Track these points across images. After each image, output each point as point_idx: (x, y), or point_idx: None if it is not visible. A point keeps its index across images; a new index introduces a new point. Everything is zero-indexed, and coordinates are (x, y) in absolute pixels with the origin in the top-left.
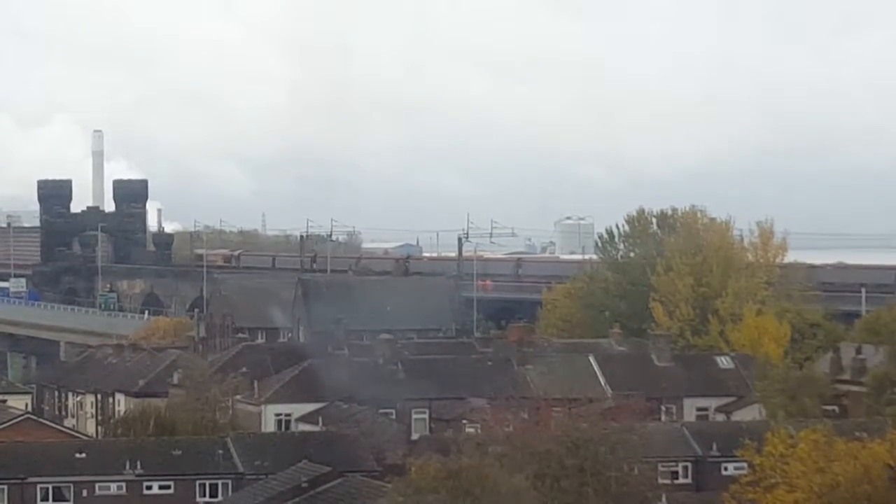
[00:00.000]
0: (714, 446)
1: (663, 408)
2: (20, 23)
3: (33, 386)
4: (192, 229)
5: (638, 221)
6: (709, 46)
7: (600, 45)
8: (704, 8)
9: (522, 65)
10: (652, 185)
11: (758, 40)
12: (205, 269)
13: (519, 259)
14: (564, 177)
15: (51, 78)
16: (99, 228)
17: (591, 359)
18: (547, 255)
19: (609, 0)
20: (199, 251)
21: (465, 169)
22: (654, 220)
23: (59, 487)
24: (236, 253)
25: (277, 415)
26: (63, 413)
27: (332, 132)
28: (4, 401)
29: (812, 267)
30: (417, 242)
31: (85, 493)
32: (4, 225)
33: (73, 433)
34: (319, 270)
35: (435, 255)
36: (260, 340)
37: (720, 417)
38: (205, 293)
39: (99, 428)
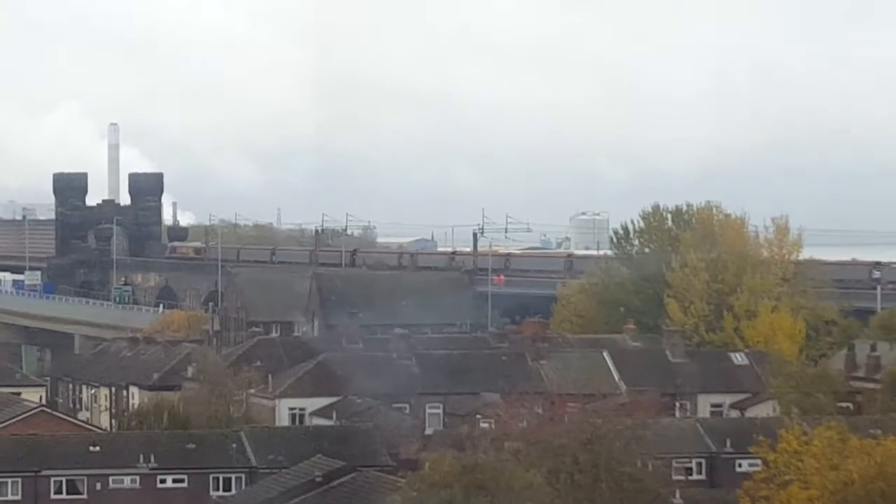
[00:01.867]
0: (728, 443)
1: (677, 404)
2: (26, 12)
3: (47, 379)
4: (208, 223)
5: (653, 217)
6: (714, 39)
7: (607, 40)
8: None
9: (532, 59)
10: (662, 180)
11: (765, 33)
12: (219, 263)
13: None
14: (575, 172)
15: (57, 68)
16: (114, 221)
17: (606, 354)
18: None
19: None
20: (173, 244)
21: (478, 164)
22: (669, 215)
23: (72, 480)
24: (205, 246)
25: (291, 409)
26: (77, 406)
27: (343, 125)
28: (19, 393)
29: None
30: (432, 237)
31: (99, 486)
32: (20, 217)
33: (87, 426)
34: (279, 262)
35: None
36: (274, 334)
37: (734, 414)
38: (219, 287)
39: (113, 421)
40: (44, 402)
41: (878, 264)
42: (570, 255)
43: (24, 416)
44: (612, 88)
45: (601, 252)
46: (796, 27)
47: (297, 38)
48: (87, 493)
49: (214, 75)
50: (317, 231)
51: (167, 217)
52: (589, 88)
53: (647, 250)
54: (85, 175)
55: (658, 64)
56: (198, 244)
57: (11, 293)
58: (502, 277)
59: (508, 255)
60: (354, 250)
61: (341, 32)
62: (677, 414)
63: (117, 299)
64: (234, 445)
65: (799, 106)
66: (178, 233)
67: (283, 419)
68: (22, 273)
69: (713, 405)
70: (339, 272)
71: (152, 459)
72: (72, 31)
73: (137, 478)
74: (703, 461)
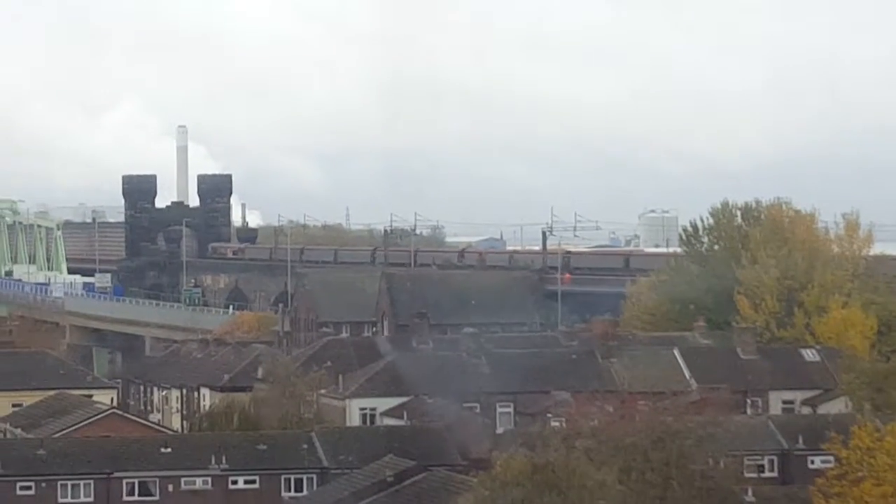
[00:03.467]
0: (800, 439)
1: (749, 401)
2: (85, 15)
3: (119, 381)
4: (276, 224)
5: (722, 214)
6: (779, 34)
7: (669, 35)
8: None
9: (595, 56)
10: (729, 177)
11: (824, 24)
12: (288, 264)
13: None
14: (642, 169)
15: (120, 70)
16: (184, 223)
17: (676, 352)
18: None
19: None
20: (214, 244)
21: (545, 162)
22: (738, 212)
23: (144, 482)
24: (242, 247)
25: (362, 409)
26: (148, 408)
27: (410, 125)
28: (90, 396)
29: None
30: (501, 236)
31: (171, 487)
32: (89, 220)
33: (158, 428)
34: (308, 262)
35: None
36: (344, 334)
37: (806, 410)
38: (289, 288)
39: (184, 423)
40: (115, 404)
41: None
42: (567, 253)
43: (96, 418)
44: (677, 85)
45: (594, 246)
46: (859, 21)
47: (363, 39)
48: (159, 495)
49: (277, 76)
50: (385, 231)
51: (236, 218)
52: (653, 85)
53: (716, 247)
54: (154, 177)
55: (723, 60)
56: (236, 245)
57: (82, 295)
58: (569, 276)
59: (513, 251)
60: (374, 249)
61: (404, 33)
62: (748, 411)
63: (187, 301)
64: (306, 446)
65: (856, 99)
66: (248, 234)
67: (353, 419)
68: (92, 275)
69: (784, 402)
70: (410, 272)
71: (224, 461)
72: (134, 33)
73: (209, 479)
74: (774, 458)
